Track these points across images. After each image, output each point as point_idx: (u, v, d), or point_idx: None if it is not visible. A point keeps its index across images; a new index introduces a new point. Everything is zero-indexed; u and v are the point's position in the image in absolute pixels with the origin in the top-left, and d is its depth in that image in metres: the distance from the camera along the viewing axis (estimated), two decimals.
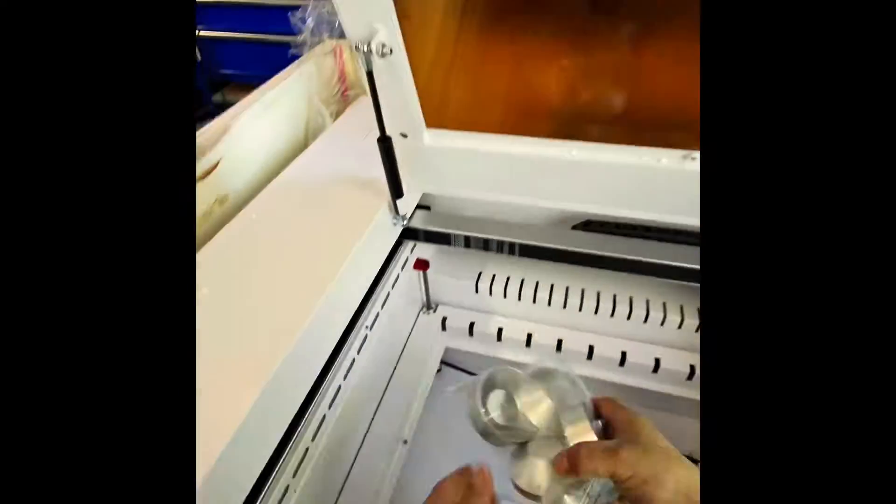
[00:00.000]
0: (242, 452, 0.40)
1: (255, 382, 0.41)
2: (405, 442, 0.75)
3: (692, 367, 0.72)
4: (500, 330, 0.81)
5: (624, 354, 0.76)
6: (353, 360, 0.62)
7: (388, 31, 0.45)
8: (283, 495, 0.49)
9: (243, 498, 0.41)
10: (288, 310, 0.48)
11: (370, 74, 0.47)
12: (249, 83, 1.69)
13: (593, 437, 0.38)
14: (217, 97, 1.72)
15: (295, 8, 1.05)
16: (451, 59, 0.59)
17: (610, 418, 0.39)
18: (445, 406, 0.88)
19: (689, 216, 0.55)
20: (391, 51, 0.46)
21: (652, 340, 0.76)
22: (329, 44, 0.98)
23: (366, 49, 0.44)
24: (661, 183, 0.52)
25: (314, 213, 0.63)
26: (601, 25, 0.52)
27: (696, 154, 0.49)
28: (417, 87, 0.53)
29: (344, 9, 0.44)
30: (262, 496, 0.44)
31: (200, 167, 0.68)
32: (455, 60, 0.60)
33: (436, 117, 0.58)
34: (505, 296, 0.80)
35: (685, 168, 0.49)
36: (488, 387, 0.42)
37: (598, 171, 0.53)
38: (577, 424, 0.38)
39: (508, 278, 0.80)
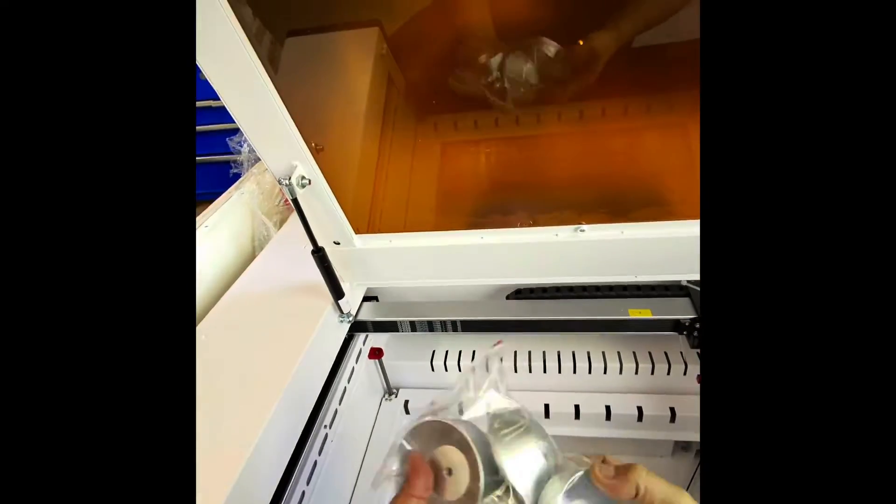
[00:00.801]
0: None
1: (216, 489, 0.43)
2: None
3: (639, 409, 0.77)
4: (460, 404, 0.84)
5: (577, 407, 0.80)
6: (315, 462, 0.63)
7: (306, 167, 0.52)
8: None
9: None
10: (241, 420, 0.51)
11: (295, 202, 0.54)
12: (198, 201, 1.76)
13: None
14: None
15: (233, 132, 1.15)
16: (373, 169, 0.68)
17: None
18: None
19: (589, 275, 0.62)
20: (310, 181, 0.53)
21: (602, 389, 0.81)
22: (269, 173, 1.07)
23: (287, 182, 0.52)
24: (562, 252, 0.60)
25: (262, 323, 0.68)
26: (507, 119, 0.62)
27: (584, 227, 0.57)
28: (342, 202, 0.60)
29: (264, 153, 0.52)
30: None
31: None
32: (379, 167, 0.68)
33: (364, 223, 0.66)
34: (459, 369, 0.84)
35: (577, 238, 0.57)
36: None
37: (508, 250, 0.61)
38: None
39: (460, 352, 0.85)
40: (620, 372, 0.78)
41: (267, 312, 0.69)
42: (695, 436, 0.80)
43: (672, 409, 0.77)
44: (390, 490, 0.37)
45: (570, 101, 0.58)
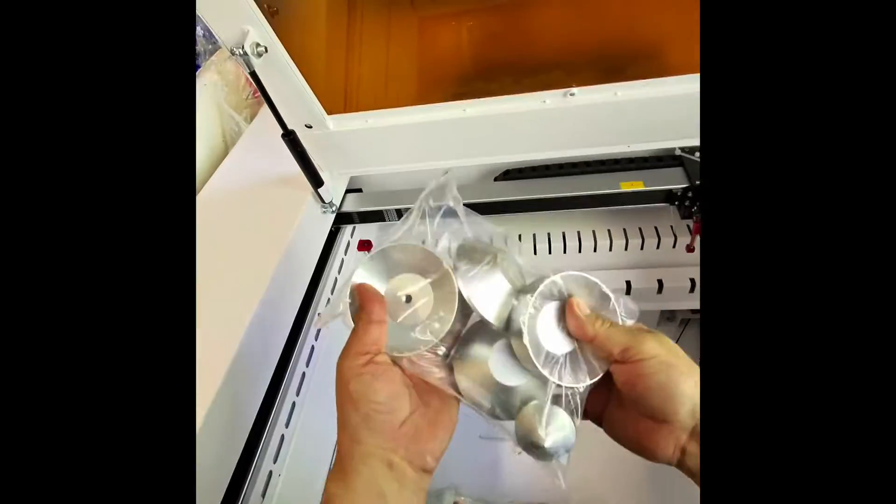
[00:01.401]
0: (213, 443, 0.43)
1: (212, 379, 0.44)
2: None
3: (628, 283, 0.79)
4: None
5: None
6: (312, 346, 0.65)
7: (259, 31, 0.46)
8: (268, 480, 0.52)
9: (225, 487, 0.45)
10: (227, 316, 0.51)
11: (254, 75, 0.48)
12: None
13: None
14: None
15: None
16: (344, 43, 0.61)
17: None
18: None
19: (581, 148, 0.59)
20: (266, 49, 0.47)
21: (593, 266, 0.82)
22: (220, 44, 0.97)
23: (241, 52, 0.46)
24: (550, 122, 0.56)
25: (242, 218, 0.65)
26: None
27: (575, 90, 0.52)
28: (309, 79, 0.54)
29: (209, 18, 0.45)
30: (246, 482, 0.48)
31: None
32: (350, 42, 0.61)
33: (337, 102, 0.60)
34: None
35: (568, 104, 0.53)
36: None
37: (493, 123, 0.57)
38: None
39: None
40: (610, 249, 0.78)
41: (247, 206, 0.67)
42: (678, 305, 0.82)
43: (659, 281, 0.78)
44: (344, 328, 0.36)
45: None
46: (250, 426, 0.50)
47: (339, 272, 0.76)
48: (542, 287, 0.34)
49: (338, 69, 0.62)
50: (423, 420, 0.33)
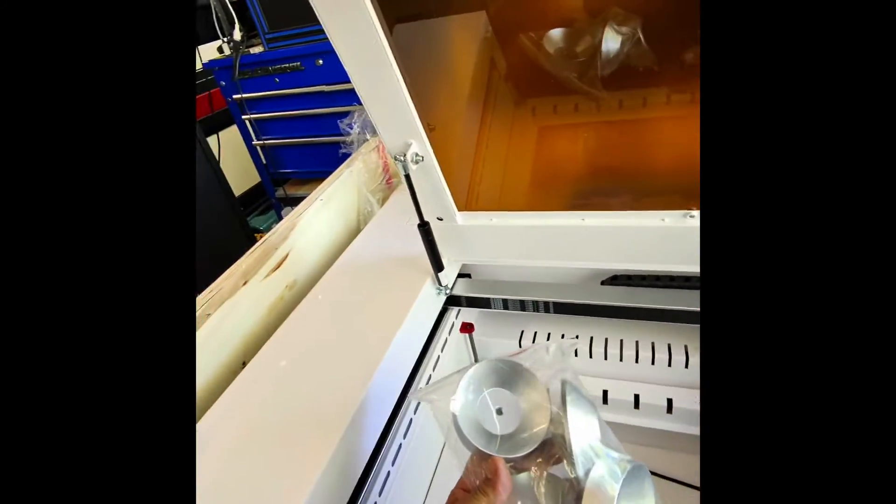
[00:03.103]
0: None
1: (328, 439, 0.49)
2: None
3: None
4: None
5: (670, 402, 0.78)
6: (411, 420, 0.69)
7: (419, 144, 0.56)
8: None
9: None
10: (352, 375, 0.57)
11: (408, 177, 0.58)
12: (307, 179, 1.93)
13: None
14: (279, 192, 1.95)
15: (344, 115, 1.24)
16: (474, 147, 0.71)
17: None
18: None
19: (696, 265, 0.60)
20: (422, 158, 0.57)
21: (696, 384, 0.78)
22: (373, 142, 1.14)
23: (402, 159, 0.56)
24: (668, 239, 0.58)
25: (369, 290, 0.74)
26: (610, 102, 0.62)
27: (695, 212, 0.55)
28: (447, 180, 0.63)
29: (383, 130, 0.56)
30: None
31: (274, 260, 0.81)
32: (479, 147, 0.71)
33: (467, 201, 0.69)
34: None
35: (686, 224, 0.56)
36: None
37: (609, 233, 0.61)
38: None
39: (549, 335, 0.85)
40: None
41: (374, 280, 0.76)
42: None
43: None
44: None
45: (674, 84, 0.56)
46: (351, 490, 0.54)
47: (441, 350, 0.80)
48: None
49: (468, 173, 0.71)
50: None
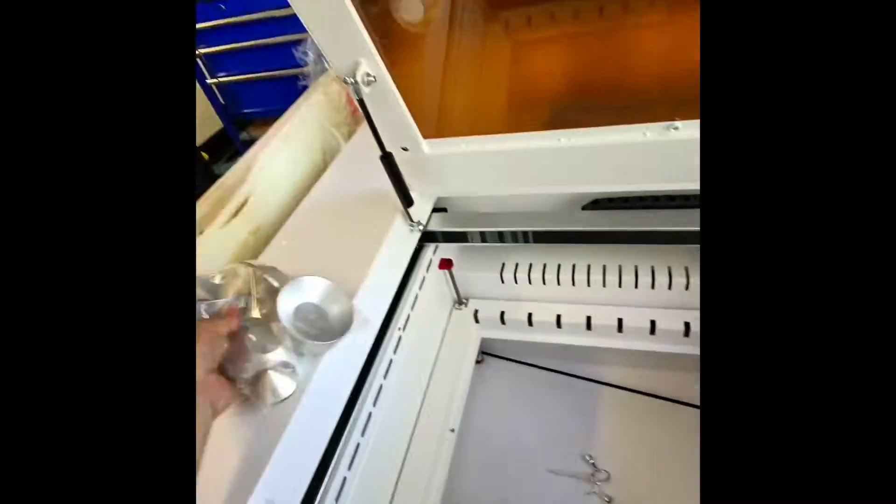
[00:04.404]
0: (296, 448, 0.46)
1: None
2: (452, 430, 0.80)
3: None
4: (530, 315, 0.85)
5: (653, 323, 0.77)
6: (391, 360, 0.67)
7: (370, 63, 0.49)
8: (342, 486, 0.55)
9: (304, 490, 0.47)
10: None
11: (361, 102, 0.52)
12: (271, 118, 1.80)
13: None
14: (244, 135, 1.84)
15: (298, 43, 1.12)
16: (441, 69, 0.64)
17: None
18: (489, 392, 0.93)
19: (681, 182, 0.56)
20: (375, 78, 0.50)
21: (681, 305, 0.77)
22: (332, 71, 1.04)
23: (352, 81, 0.49)
24: (650, 155, 0.54)
25: (337, 230, 0.69)
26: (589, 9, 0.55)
27: (678, 123, 0.50)
28: (409, 105, 0.57)
29: (327, 49, 0.49)
30: (322, 487, 0.50)
31: (232, 204, 0.75)
32: (446, 68, 0.64)
33: (433, 128, 0.62)
34: (530, 282, 0.83)
35: (669, 138, 0.51)
36: None
37: (588, 153, 0.56)
38: None
39: (531, 265, 0.83)
40: (687, 287, 0.74)
41: (342, 220, 0.71)
42: None
43: None
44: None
45: None
46: (329, 435, 0.52)
47: (420, 288, 0.78)
48: None
49: (434, 95, 0.64)
50: None
